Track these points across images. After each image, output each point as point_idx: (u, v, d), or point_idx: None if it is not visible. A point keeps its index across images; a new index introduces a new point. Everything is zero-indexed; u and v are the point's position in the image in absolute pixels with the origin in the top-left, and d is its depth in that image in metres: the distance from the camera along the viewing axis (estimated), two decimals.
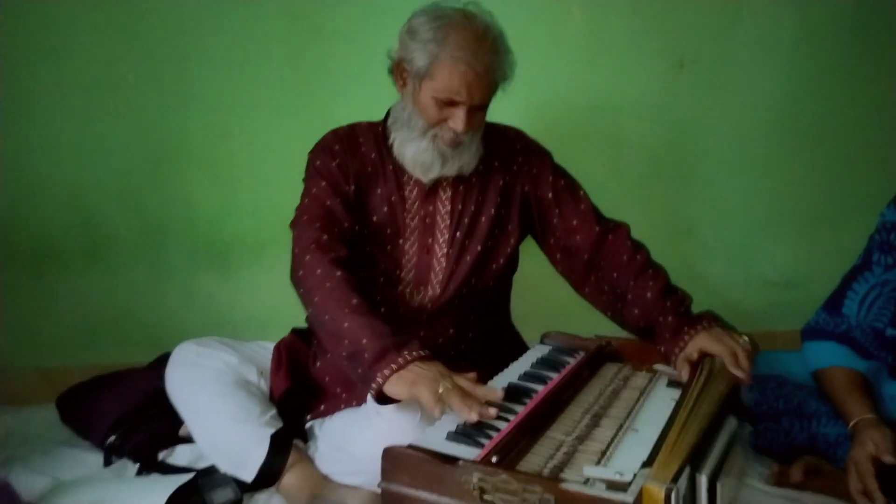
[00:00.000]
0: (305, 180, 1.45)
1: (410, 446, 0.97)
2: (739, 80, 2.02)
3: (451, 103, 1.32)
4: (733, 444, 1.11)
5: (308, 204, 1.40)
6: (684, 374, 1.27)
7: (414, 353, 1.15)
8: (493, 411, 1.06)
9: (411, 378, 1.11)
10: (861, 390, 1.39)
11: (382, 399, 1.14)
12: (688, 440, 0.98)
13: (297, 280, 1.33)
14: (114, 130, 1.83)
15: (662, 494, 0.84)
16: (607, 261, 1.48)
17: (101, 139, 1.83)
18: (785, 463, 1.45)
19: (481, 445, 1.00)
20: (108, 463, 1.49)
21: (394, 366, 1.13)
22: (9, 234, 1.80)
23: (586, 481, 0.92)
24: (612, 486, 0.90)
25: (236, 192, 1.91)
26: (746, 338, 1.30)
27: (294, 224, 1.40)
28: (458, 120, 1.32)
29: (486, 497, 0.88)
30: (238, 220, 1.93)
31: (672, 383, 1.31)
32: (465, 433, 1.03)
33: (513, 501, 0.87)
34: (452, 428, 1.06)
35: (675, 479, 0.86)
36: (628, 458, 0.99)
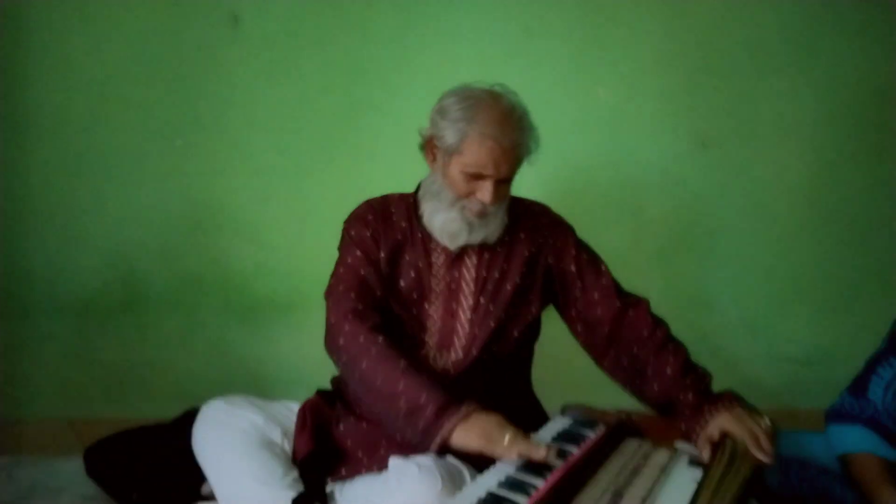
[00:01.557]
0: (340, 249, 1.52)
1: None
2: (761, 159, 2.07)
3: (479, 177, 1.39)
4: None
5: (343, 273, 1.47)
6: (706, 454, 1.27)
7: (472, 406, 1.25)
8: (552, 456, 1.18)
9: (480, 428, 1.21)
10: (894, 479, 1.37)
11: (444, 450, 1.23)
12: None
13: (336, 348, 1.39)
14: (158, 193, 1.92)
15: None
16: (627, 335, 1.50)
17: (145, 200, 1.92)
18: None
19: None
20: None
21: (458, 416, 1.22)
22: (51, 286, 1.88)
23: None
24: None
25: (270, 254, 1.98)
26: (767, 420, 1.30)
27: (329, 293, 1.46)
28: (485, 192, 1.39)
29: None
30: (270, 280, 1.99)
31: (693, 462, 1.30)
32: None
33: None
34: (474, 502, 1.06)
35: None
36: None
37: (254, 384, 1.89)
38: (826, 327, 2.15)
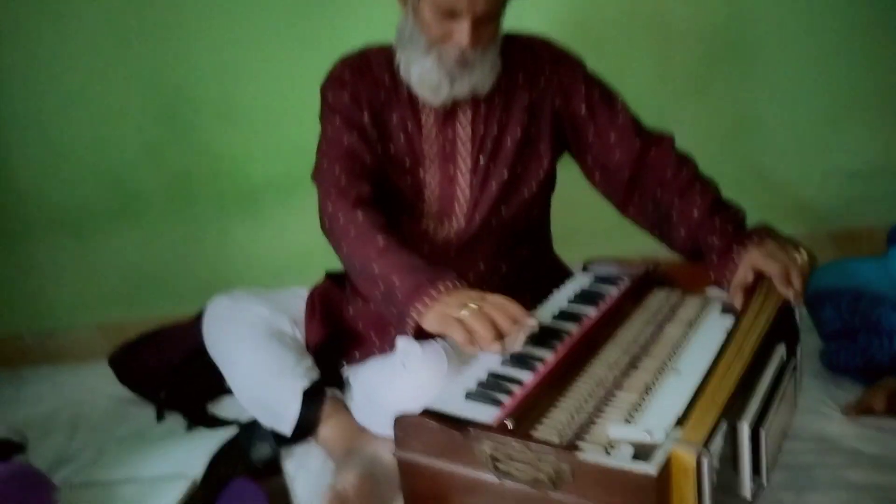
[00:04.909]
0: (321, 119, 1.37)
1: (424, 412, 0.91)
2: None
3: (454, 15, 1.17)
4: (782, 377, 0.99)
5: (326, 147, 1.33)
6: (738, 301, 1.13)
7: (448, 284, 1.08)
8: (518, 344, 1.01)
9: (442, 309, 1.05)
10: None
11: (422, 335, 1.10)
12: (725, 386, 0.87)
13: (325, 232, 1.30)
14: (126, 84, 1.77)
15: (694, 463, 0.74)
16: (650, 177, 1.33)
17: (115, 95, 1.78)
18: (862, 382, 1.31)
19: (500, 404, 0.93)
20: (160, 418, 1.54)
21: (426, 299, 1.07)
22: (43, 199, 1.83)
23: (611, 444, 0.83)
24: (640, 448, 0.81)
25: (258, 135, 1.84)
26: (805, 253, 1.14)
27: (315, 173, 1.34)
28: (461, 34, 1.18)
29: (499, 466, 0.82)
30: (263, 163, 1.87)
31: (727, 309, 1.18)
32: (484, 391, 0.96)
33: (528, 471, 0.80)
34: (473, 385, 0.99)
35: (708, 443, 0.76)
36: (664, 409, 0.89)
37: (265, 272, 1.86)
38: (889, 134, 1.88)
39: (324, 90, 1.36)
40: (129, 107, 1.79)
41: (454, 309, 1.03)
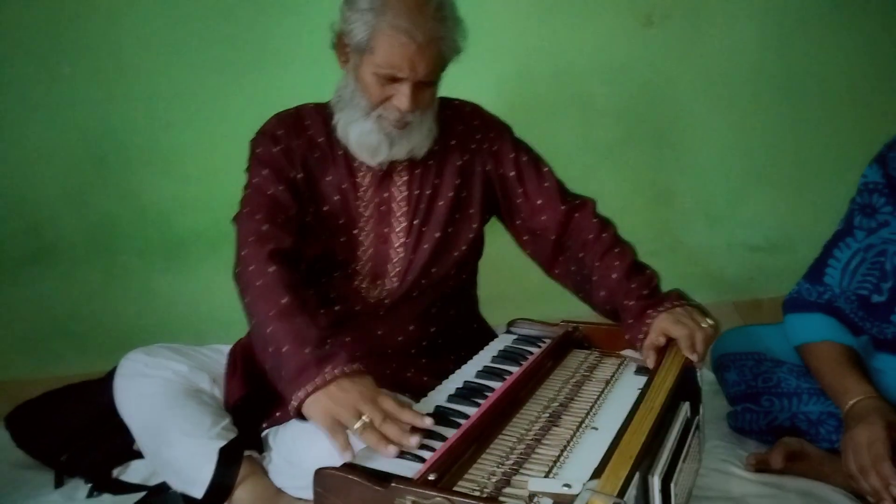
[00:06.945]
0: (247, 170, 1.36)
1: (344, 465, 0.90)
2: (713, 35, 1.90)
3: (395, 79, 1.22)
4: (688, 434, 1.04)
5: (249, 195, 1.31)
6: (650, 362, 1.19)
7: (337, 369, 1.02)
8: (415, 441, 0.95)
9: (328, 405, 1.01)
10: (857, 367, 1.28)
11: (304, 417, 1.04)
12: (637, 441, 0.91)
13: (235, 278, 1.24)
14: (53, 128, 1.73)
15: None
16: (574, 240, 1.40)
17: (40, 138, 1.73)
18: (766, 443, 1.38)
19: (423, 460, 0.93)
20: (59, 484, 1.43)
21: (309, 387, 1.02)
22: None
23: (531, 497, 0.84)
24: (559, 500, 0.82)
25: (187, 186, 1.82)
26: (710, 320, 1.22)
27: (236, 217, 1.31)
28: (402, 97, 1.23)
29: None
30: (192, 214, 1.84)
31: (641, 370, 1.24)
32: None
33: None
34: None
35: (623, 492, 0.79)
36: (582, 463, 0.91)
37: (187, 328, 1.79)
38: (790, 211, 2.06)
39: (254, 144, 1.36)
40: (54, 149, 1.74)
41: (345, 414, 0.99)
